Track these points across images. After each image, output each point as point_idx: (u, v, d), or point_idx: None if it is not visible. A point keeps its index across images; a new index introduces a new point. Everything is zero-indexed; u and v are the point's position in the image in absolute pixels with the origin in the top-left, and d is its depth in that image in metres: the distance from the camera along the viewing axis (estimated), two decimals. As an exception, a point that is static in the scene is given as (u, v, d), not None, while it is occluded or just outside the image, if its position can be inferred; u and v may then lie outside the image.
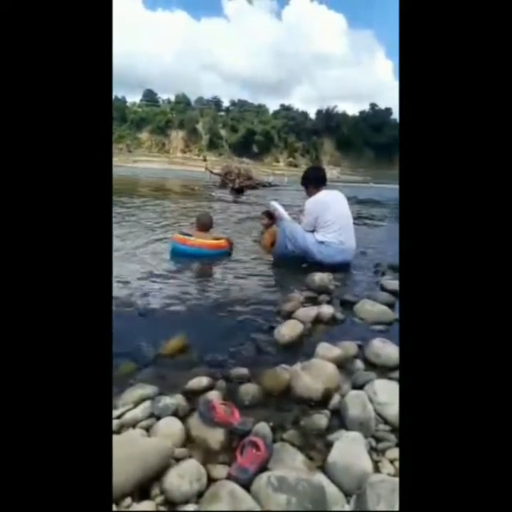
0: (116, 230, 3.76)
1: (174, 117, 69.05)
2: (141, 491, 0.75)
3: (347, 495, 0.79)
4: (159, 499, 0.74)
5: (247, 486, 0.79)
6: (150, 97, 78.05)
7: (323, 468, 0.85)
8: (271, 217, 3.54)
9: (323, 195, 2.83)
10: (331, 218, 2.70)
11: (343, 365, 1.30)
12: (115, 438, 0.87)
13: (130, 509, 0.71)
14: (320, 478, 0.80)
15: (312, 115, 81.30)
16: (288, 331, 1.54)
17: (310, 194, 2.90)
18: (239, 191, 9.72)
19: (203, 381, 1.15)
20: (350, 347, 1.42)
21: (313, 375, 1.17)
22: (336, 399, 1.10)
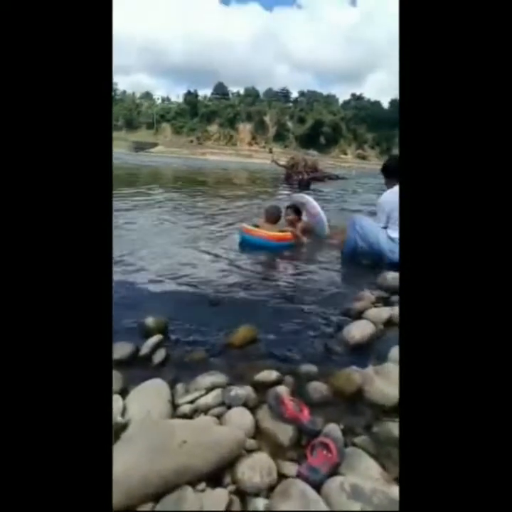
0: (185, 221, 3.93)
1: (242, 110, 69.97)
2: (214, 478, 0.77)
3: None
4: (231, 488, 0.75)
5: (317, 487, 0.77)
6: (221, 90, 79.84)
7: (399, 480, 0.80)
8: (297, 212, 3.39)
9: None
10: None
11: (418, 372, 1.22)
12: (190, 423, 0.90)
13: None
14: (397, 491, 0.75)
15: (385, 105, 77.10)
16: (358, 331, 1.48)
17: (388, 185, 2.73)
18: (305, 185, 9.55)
19: (271, 374, 1.15)
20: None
21: (388, 380, 1.11)
22: (411, 408, 1.04)
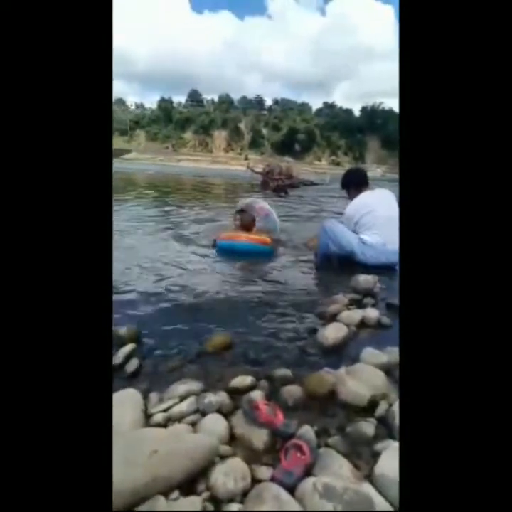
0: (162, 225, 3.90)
1: (217, 117, 70.12)
2: (188, 486, 0.77)
3: (396, 509, 0.75)
4: (205, 495, 0.75)
5: (291, 489, 0.78)
6: (195, 97, 79.85)
7: (370, 478, 0.82)
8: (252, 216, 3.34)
9: (365, 196, 2.75)
10: (373, 220, 2.62)
11: (389, 371, 1.25)
12: (163, 431, 0.89)
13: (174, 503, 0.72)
14: (367, 488, 0.77)
15: (356, 112, 79.21)
16: (332, 333, 1.50)
17: (351, 196, 2.84)
18: (282, 191, 9.64)
19: (246, 380, 1.16)
20: (397, 353, 1.37)
21: (359, 380, 1.14)
22: (383, 407, 1.06)
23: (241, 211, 3.39)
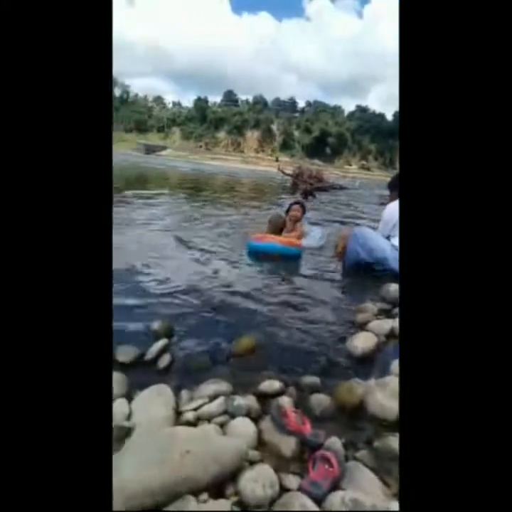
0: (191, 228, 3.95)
1: (250, 118, 70.41)
2: (216, 489, 0.77)
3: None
4: (234, 499, 0.76)
5: (318, 501, 0.77)
6: (230, 97, 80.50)
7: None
8: (303, 209, 3.43)
9: None
10: None
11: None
12: (192, 431, 0.90)
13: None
14: (396, 507, 0.76)
15: (389, 117, 77.30)
16: (361, 343, 1.48)
17: (392, 199, 2.78)
18: (310, 194, 9.56)
19: (274, 385, 1.16)
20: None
21: (389, 393, 1.11)
22: (413, 423, 1.04)
23: (297, 203, 3.50)
